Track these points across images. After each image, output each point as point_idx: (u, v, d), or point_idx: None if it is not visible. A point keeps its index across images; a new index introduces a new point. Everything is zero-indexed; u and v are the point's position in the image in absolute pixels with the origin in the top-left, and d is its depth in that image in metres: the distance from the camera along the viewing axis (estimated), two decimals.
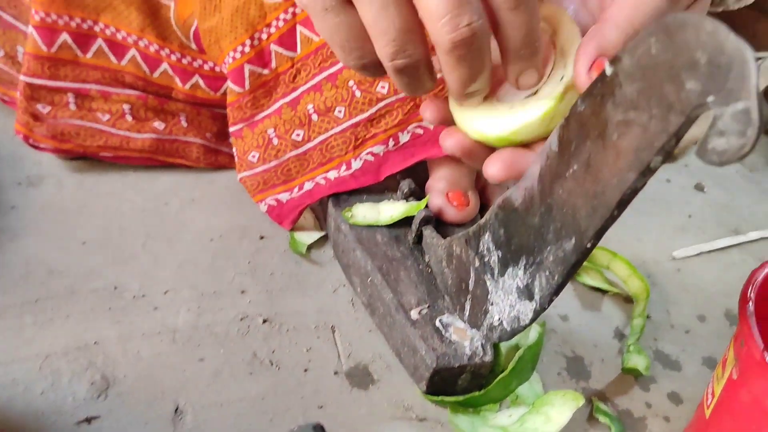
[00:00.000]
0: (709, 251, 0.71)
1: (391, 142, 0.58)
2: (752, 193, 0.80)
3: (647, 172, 0.30)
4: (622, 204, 0.32)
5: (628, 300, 0.64)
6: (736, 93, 0.24)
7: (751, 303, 0.42)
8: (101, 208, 0.63)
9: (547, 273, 0.39)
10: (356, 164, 0.58)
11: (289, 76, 0.58)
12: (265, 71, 0.57)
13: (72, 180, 0.65)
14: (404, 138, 0.58)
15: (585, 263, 0.66)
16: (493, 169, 0.40)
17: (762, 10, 1.01)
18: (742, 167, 0.84)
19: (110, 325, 0.53)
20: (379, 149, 0.58)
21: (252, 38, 0.56)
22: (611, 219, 0.32)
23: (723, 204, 0.78)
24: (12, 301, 0.54)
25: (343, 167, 0.58)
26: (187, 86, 0.65)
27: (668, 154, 0.28)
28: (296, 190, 0.61)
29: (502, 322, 0.46)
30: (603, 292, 0.64)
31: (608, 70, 0.31)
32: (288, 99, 0.58)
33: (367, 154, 0.59)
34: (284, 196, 0.61)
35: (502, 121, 0.39)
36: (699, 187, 0.79)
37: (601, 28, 0.36)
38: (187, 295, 0.57)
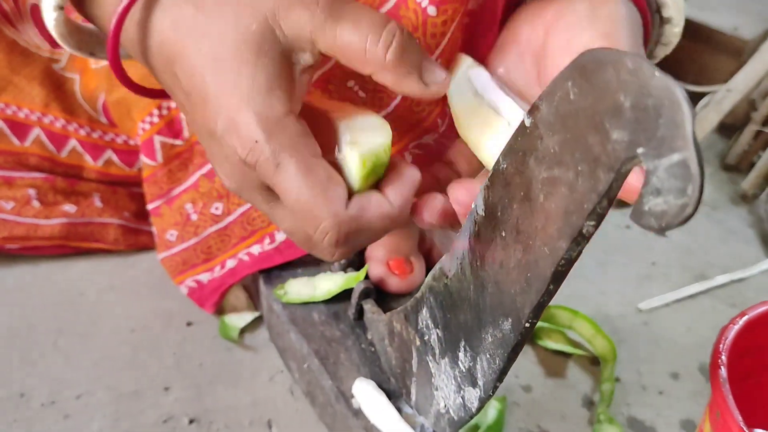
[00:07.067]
0: (677, 300, 0.66)
1: None
2: (716, 233, 0.77)
3: (580, 239, 0.25)
4: (558, 276, 0.27)
5: (594, 361, 0.59)
6: (669, 142, 0.19)
7: (723, 368, 0.37)
8: (7, 304, 0.57)
9: (488, 356, 0.34)
10: (280, 236, 0.53)
11: None
12: (178, 141, 0.53)
13: None
14: None
15: (545, 324, 0.60)
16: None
17: (710, 43, 0.99)
18: (703, 205, 0.80)
19: None
20: None
21: (159, 107, 0.51)
22: (548, 294, 0.27)
23: (686, 247, 0.73)
24: None
25: (267, 240, 0.53)
26: (100, 163, 0.60)
27: (601, 218, 0.24)
28: (218, 269, 0.55)
29: (448, 409, 0.40)
30: (567, 355, 0.59)
31: (527, 121, 0.26)
32: (205, 170, 0.53)
33: None
34: (205, 277, 0.56)
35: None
36: None
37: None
38: (103, 398, 0.51)
